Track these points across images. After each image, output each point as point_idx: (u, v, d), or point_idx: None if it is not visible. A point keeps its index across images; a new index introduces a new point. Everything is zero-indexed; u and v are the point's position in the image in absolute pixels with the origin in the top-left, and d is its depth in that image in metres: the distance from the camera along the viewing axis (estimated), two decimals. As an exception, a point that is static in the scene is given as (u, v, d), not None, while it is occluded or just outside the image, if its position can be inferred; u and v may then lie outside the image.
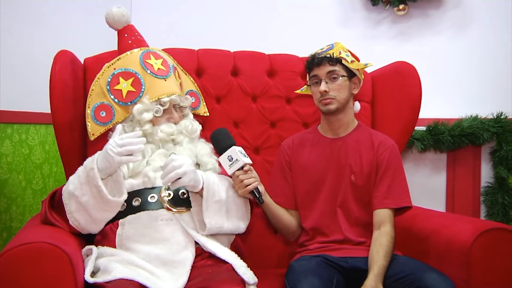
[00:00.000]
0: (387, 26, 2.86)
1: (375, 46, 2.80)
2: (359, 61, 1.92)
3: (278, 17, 2.90)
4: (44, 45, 2.45)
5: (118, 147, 1.63)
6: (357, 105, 2.00)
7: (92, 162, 1.66)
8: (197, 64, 2.21)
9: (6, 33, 2.30)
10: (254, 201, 1.81)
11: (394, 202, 1.84)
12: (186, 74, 2.08)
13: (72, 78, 1.97)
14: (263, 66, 2.27)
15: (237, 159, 1.70)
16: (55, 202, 1.70)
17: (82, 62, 2.10)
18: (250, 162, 1.74)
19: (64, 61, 1.92)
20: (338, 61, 1.85)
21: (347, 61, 1.86)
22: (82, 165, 1.86)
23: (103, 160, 1.64)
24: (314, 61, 1.87)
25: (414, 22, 2.84)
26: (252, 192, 1.73)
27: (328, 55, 1.85)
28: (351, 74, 1.88)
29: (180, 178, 1.63)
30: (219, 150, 1.76)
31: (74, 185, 1.67)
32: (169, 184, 1.65)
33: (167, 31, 2.82)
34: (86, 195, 1.64)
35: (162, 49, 2.08)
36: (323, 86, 1.85)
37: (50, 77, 1.86)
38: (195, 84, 2.09)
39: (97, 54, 2.11)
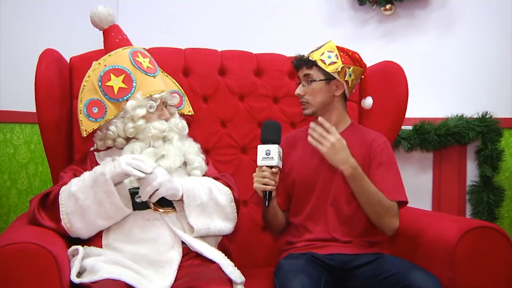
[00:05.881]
0: (374, 26, 2.88)
1: (362, 46, 2.75)
2: (357, 59, 1.89)
3: (265, 16, 2.90)
4: (29, 44, 2.42)
5: (129, 158, 1.64)
6: (368, 101, 1.98)
7: (103, 168, 1.64)
8: (184, 63, 2.20)
9: (-10, 32, 2.28)
10: (260, 201, 1.80)
11: (390, 195, 1.80)
12: (167, 76, 2.07)
13: (58, 77, 1.95)
14: (250, 65, 2.27)
15: (272, 157, 1.73)
16: (48, 202, 1.66)
17: (68, 61, 2.08)
18: (281, 167, 1.77)
19: (49, 60, 1.90)
20: (313, 63, 1.85)
21: (325, 64, 1.84)
22: (68, 164, 1.86)
23: (111, 166, 1.63)
24: (294, 63, 1.91)
25: (401, 22, 2.85)
26: (264, 192, 1.74)
27: (306, 57, 1.86)
28: (330, 76, 1.86)
29: (157, 189, 1.64)
30: (264, 139, 1.77)
31: (77, 187, 1.64)
32: (148, 197, 1.65)
33: (154, 31, 2.80)
34: (89, 198, 1.62)
35: (149, 48, 2.07)
36: (298, 89, 1.89)
37: (35, 76, 1.84)
38: (177, 84, 2.08)
39: (83, 53, 2.10)
